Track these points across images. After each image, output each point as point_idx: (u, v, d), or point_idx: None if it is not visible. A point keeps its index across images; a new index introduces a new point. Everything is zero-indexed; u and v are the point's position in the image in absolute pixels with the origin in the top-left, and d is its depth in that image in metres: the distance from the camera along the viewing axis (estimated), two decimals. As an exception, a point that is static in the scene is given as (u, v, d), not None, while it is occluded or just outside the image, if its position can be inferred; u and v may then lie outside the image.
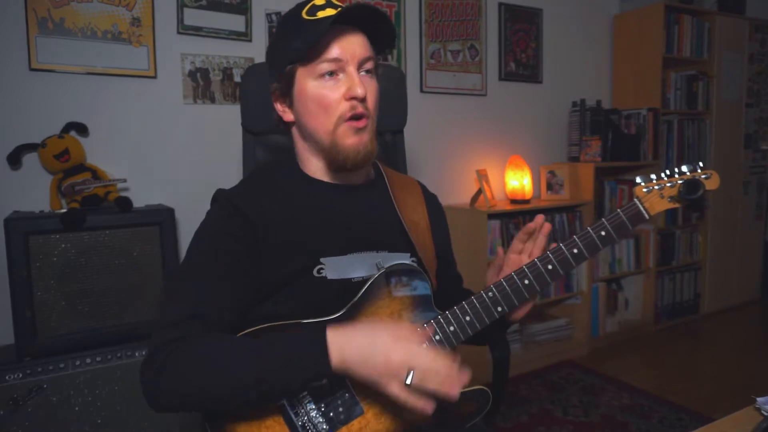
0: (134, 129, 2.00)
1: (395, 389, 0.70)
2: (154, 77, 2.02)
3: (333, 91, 0.85)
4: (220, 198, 0.90)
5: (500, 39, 2.88)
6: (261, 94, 1.18)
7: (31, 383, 1.51)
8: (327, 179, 0.94)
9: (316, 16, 0.84)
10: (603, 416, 2.21)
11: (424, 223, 1.02)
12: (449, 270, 1.09)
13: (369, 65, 0.87)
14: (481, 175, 2.66)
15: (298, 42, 0.84)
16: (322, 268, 0.86)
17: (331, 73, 0.85)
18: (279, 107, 0.93)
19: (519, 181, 2.79)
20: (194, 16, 2.08)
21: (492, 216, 2.61)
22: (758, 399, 0.87)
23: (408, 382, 0.69)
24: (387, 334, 0.72)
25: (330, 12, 0.84)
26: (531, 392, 2.44)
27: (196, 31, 2.09)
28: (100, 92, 1.93)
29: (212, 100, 2.14)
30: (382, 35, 0.89)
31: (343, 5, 0.85)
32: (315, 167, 0.94)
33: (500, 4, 2.86)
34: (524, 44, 2.98)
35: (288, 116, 0.92)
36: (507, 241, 2.64)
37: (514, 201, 2.80)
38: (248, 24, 2.19)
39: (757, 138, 3.66)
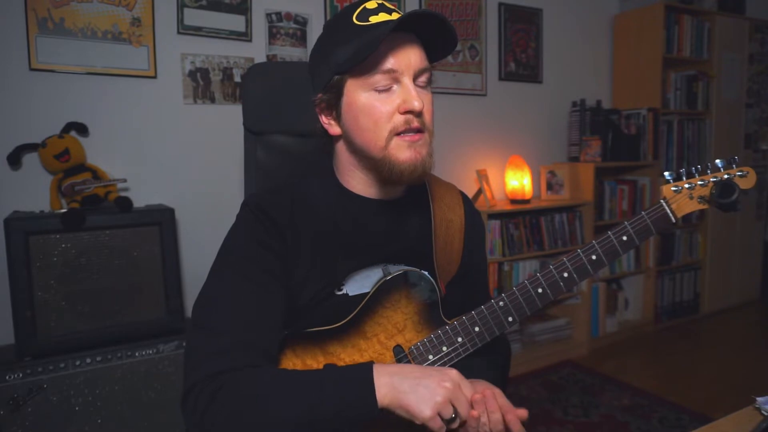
0: (134, 129, 2.00)
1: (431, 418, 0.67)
2: (154, 77, 2.02)
3: (386, 103, 0.78)
4: (250, 203, 0.85)
5: (500, 39, 2.88)
6: (262, 94, 1.18)
7: (31, 383, 1.51)
8: (367, 194, 0.88)
9: (368, 21, 0.77)
10: (603, 416, 2.21)
11: (459, 222, 0.96)
12: (475, 284, 1.00)
13: (425, 77, 0.81)
14: (481, 175, 2.66)
15: (348, 50, 0.77)
16: (344, 285, 0.84)
17: (385, 85, 0.78)
18: (324, 119, 0.85)
19: (519, 181, 2.79)
20: (194, 16, 2.08)
21: (492, 216, 2.61)
22: (758, 399, 0.87)
23: (452, 415, 0.68)
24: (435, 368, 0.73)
25: (384, 17, 0.77)
26: (531, 392, 2.44)
27: (196, 31, 2.09)
28: (100, 92, 1.93)
29: (212, 100, 2.14)
30: (441, 42, 0.80)
31: (395, 9, 0.80)
32: (357, 181, 0.87)
33: (500, 4, 2.86)
34: (524, 44, 2.98)
35: (334, 129, 0.84)
36: (507, 240, 2.64)
37: (514, 201, 2.80)
38: (248, 24, 2.19)
39: (757, 138, 3.66)
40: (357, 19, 0.78)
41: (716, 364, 2.73)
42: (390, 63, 0.76)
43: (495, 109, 2.90)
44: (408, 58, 0.77)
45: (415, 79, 0.79)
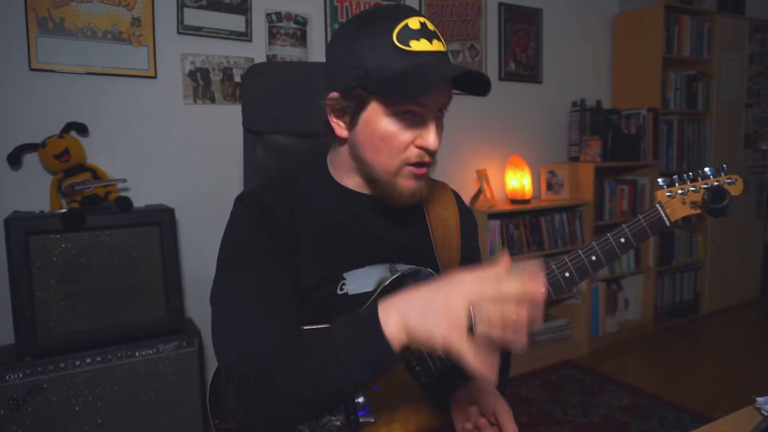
0: (134, 129, 2.00)
1: (457, 343, 0.55)
2: (154, 77, 2.02)
3: (405, 132, 0.77)
4: (246, 198, 0.84)
5: (500, 39, 2.88)
6: (262, 94, 1.18)
7: (31, 383, 1.51)
8: (361, 190, 0.88)
9: (409, 46, 0.74)
10: (603, 416, 2.21)
11: (454, 219, 0.97)
12: None
13: (444, 110, 0.82)
14: (481, 175, 2.66)
15: (384, 71, 0.74)
16: (344, 284, 0.84)
17: (407, 112, 0.77)
18: (333, 119, 0.83)
19: (519, 181, 2.79)
20: (194, 16, 2.08)
21: (492, 216, 2.61)
22: (758, 399, 0.87)
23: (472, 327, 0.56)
24: (452, 278, 0.61)
25: (425, 45, 0.75)
26: (531, 392, 2.44)
27: (196, 31, 2.09)
28: (100, 92, 1.93)
29: (212, 100, 2.14)
30: (473, 84, 0.80)
31: (435, 32, 0.78)
32: (352, 180, 0.88)
33: (500, 4, 2.86)
34: (524, 44, 2.97)
35: (342, 132, 0.82)
36: (507, 240, 2.64)
37: (514, 201, 2.80)
38: (248, 24, 2.19)
39: (757, 138, 3.66)
40: (398, 38, 0.74)
41: (716, 364, 2.73)
42: (423, 100, 0.75)
43: (495, 109, 2.90)
44: (438, 98, 0.77)
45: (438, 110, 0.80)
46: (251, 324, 0.73)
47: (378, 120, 0.77)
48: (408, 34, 0.75)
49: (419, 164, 0.80)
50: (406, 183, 0.81)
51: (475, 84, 0.80)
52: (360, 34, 0.77)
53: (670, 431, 2.09)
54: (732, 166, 3.48)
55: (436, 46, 0.76)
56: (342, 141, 0.85)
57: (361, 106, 0.78)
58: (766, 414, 0.84)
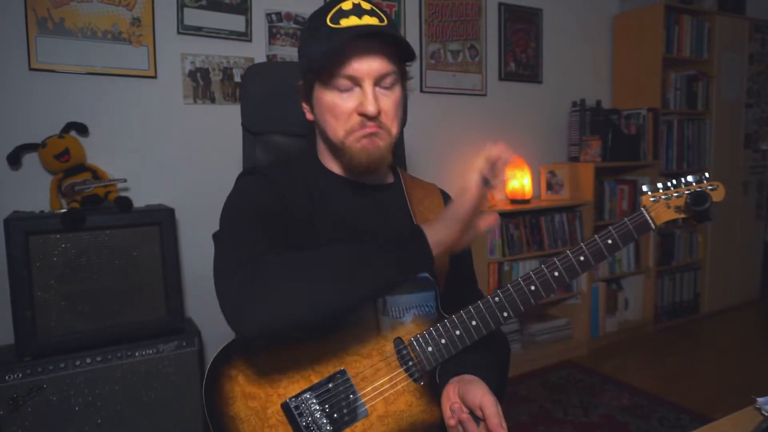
0: (134, 129, 2.00)
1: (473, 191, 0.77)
2: (154, 77, 2.02)
3: (347, 102, 0.85)
4: (254, 170, 0.92)
5: (500, 39, 2.88)
6: (261, 95, 1.18)
7: (31, 383, 1.51)
8: (344, 175, 0.95)
9: (339, 24, 0.82)
10: (603, 416, 2.21)
11: None
12: (465, 279, 1.04)
13: (389, 80, 0.86)
14: (481, 175, 2.66)
15: (318, 50, 0.82)
16: None
17: (344, 85, 0.84)
18: (304, 106, 0.94)
19: (519, 181, 2.79)
20: (194, 16, 2.08)
21: (492, 216, 2.60)
22: (758, 399, 0.87)
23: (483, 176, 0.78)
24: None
25: (354, 21, 0.82)
26: (531, 392, 2.44)
27: (196, 31, 2.09)
28: (100, 92, 1.93)
29: (212, 100, 2.14)
30: (403, 46, 0.86)
31: (370, 10, 0.84)
32: (332, 163, 0.96)
33: (500, 4, 2.86)
34: (524, 44, 2.98)
35: (309, 116, 0.94)
36: (507, 240, 2.64)
37: (514, 201, 2.80)
38: (248, 24, 2.19)
39: (757, 138, 3.66)
40: (330, 20, 0.83)
41: (716, 364, 2.73)
42: (351, 69, 0.82)
43: (495, 109, 2.90)
44: (369, 65, 0.83)
45: (378, 82, 0.84)
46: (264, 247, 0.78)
47: (322, 96, 0.87)
48: (339, 15, 0.83)
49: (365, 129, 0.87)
50: (358, 144, 0.86)
51: (403, 47, 0.85)
52: (306, 30, 0.89)
53: (670, 431, 2.09)
54: (732, 166, 3.49)
55: (366, 20, 0.83)
56: (314, 124, 0.95)
57: (311, 88, 0.89)
58: (766, 414, 0.84)
